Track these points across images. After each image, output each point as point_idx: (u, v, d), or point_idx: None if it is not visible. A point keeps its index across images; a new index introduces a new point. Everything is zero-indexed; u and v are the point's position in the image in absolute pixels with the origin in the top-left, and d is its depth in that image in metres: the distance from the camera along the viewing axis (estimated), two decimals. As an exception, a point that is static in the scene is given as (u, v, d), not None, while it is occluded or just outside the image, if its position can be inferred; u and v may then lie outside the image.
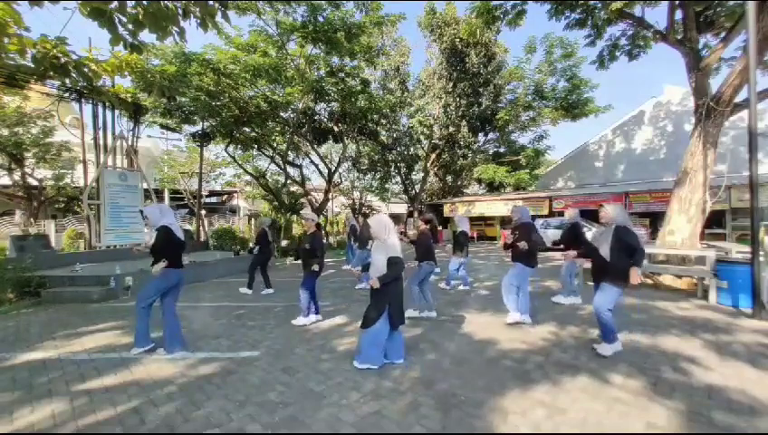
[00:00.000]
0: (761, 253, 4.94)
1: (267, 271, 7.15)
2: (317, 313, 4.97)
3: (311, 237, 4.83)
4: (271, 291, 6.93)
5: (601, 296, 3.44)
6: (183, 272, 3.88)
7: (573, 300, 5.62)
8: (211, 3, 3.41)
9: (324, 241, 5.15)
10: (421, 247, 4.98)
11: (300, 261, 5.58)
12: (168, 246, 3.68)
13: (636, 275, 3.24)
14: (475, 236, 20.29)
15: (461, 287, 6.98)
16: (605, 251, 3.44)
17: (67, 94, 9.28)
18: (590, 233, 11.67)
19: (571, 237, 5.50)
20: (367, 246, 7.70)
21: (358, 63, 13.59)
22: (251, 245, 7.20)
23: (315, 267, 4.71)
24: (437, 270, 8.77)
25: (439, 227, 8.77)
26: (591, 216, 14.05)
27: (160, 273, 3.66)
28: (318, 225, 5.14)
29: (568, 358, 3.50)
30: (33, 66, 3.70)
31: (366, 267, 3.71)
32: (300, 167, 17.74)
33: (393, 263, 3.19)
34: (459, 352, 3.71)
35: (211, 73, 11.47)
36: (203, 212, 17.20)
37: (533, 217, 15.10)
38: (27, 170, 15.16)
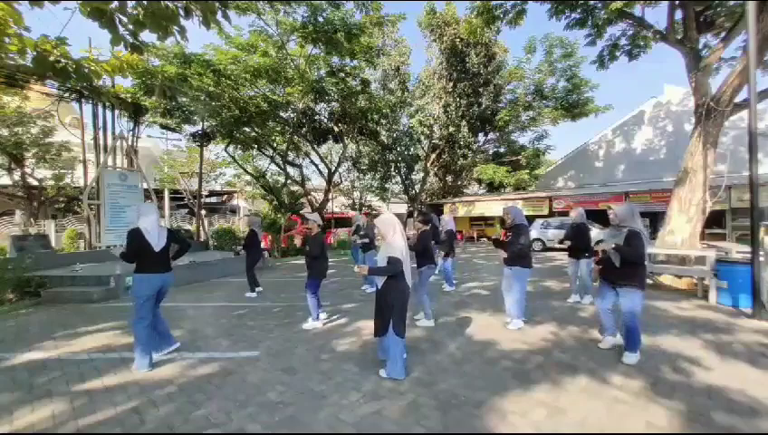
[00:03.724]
0: (761, 253, 4.94)
1: (254, 273, 6.86)
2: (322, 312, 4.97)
3: (311, 240, 4.82)
4: (254, 295, 6.63)
5: (628, 305, 3.36)
6: (162, 277, 3.55)
7: (587, 299, 5.62)
8: (211, 1, 3.40)
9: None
10: (420, 249, 4.93)
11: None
12: (132, 251, 3.41)
13: (602, 247, 3.45)
14: (475, 235, 20.32)
15: (447, 288, 6.91)
16: (618, 258, 3.38)
17: (67, 94, 9.29)
18: (591, 233, 11.68)
19: (582, 239, 5.43)
20: (373, 247, 7.60)
21: (358, 63, 13.58)
22: (239, 247, 6.99)
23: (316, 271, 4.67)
24: (436, 270, 8.77)
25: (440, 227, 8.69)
26: (591, 216, 14.05)
27: (136, 281, 3.46)
28: (323, 227, 5.11)
29: (568, 358, 3.50)
30: (33, 66, 3.70)
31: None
32: (300, 167, 17.74)
33: (390, 262, 3.07)
34: (459, 353, 3.71)
35: (211, 74, 11.47)
36: (203, 212, 17.20)
37: (532, 218, 15.14)
38: (27, 170, 15.17)
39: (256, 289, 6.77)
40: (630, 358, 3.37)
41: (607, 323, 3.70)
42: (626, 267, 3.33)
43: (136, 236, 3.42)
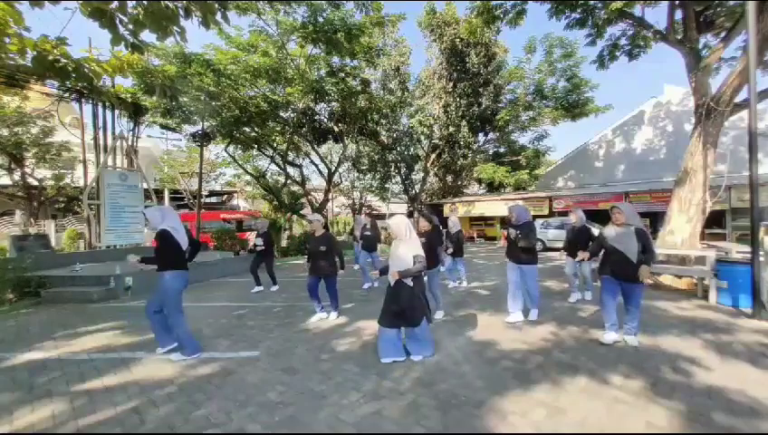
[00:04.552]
0: (761, 253, 4.94)
1: (258, 271, 7.09)
2: (322, 311, 5.04)
3: (325, 239, 4.82)
4: (261, 288, 7.00)
5: (638, 298, 3.72)
6: (187, 274, 3.80)
7: (581, 296, 5.68)
8: (211, 1, 3.41)
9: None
10: (427, 249, 4.92)
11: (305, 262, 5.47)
12: (168, 250, 3.61)
13: (647, 274, 3.54)
14: (474, 235, 20.33)
15: (451, 285, 7.10)
16: (633, 253, 3.56)
17: (67, 94, 9.29)
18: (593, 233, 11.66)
19: (585, 240, 5.50)
20: (375, 249, 7.61)
21: (358, 63, 13.59)
22: (253, 245, 7.15)
23: (341, 272, 4.94)
24: (442, 269, 8.77)
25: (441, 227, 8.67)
26: (591, 216, 14.03)
27: (171, 277, 3.60)
28: (326, 225, 5.13)
29: (568, 358, 3.50)
30: (33, 66, 3.71)
31: (382, 271, 3.70)
32: (300, 167, 17.74)
33: (420, 260, 3.26)
34: (459, 352, 3.71)
35: (211, 74, 11.48)
36: (203, 212, 17.19)
37: (533, 218, 15.12)
38: (27, 170, 15.18)
39: (257, 288, 6.99)
40: (636, 341, 3.78)
41: (612, 318, 3.84)
42: (640, 267, 3.57)
43: (169, 236, 3.58)
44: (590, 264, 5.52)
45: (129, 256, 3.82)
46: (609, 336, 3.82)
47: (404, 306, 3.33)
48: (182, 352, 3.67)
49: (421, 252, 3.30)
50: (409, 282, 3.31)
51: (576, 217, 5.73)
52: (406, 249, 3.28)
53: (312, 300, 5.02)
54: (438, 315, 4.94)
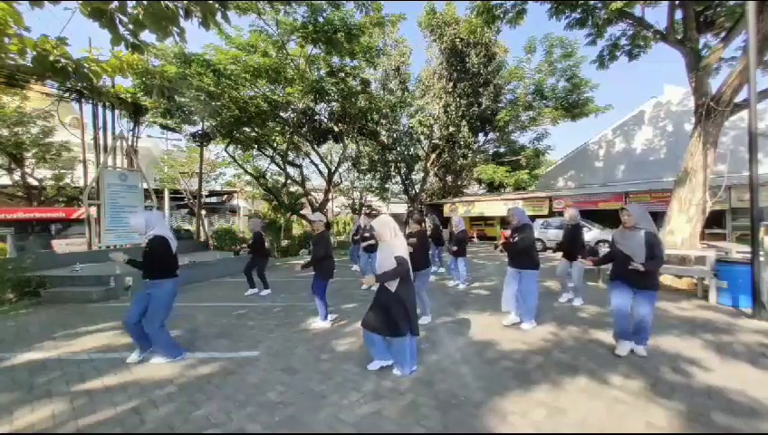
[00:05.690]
0: (761, 253, 4.94)
1: (265, 273, 6.98)
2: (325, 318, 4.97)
3: (318, 237, 4.81)
4: (255, 291, 6.80)
5: (647, 306, 3.44)
6: (178, 281, 3.74)
7: (578, 301, 5.61)
8: (211, 1, 3.41)
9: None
10: (419, 250, 4.87)
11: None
12: (164, 257, 3.52)
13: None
14: (474, 235, 20.32)
15: (456, 285, 7.05)
16: (641, 259, 3.31)
17: (67, 94, 9.29)
18: (590, 233, 11.65)
19: (574, 240, 5.48)
20: (374, 249, 7.62)
21: (358, 63, 13.58)
22: (245, 246, 7.00)
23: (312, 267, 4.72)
24: (442, 270, 8.79)
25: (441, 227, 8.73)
26: (591, 216, 14.03)
27: (172, 284, 3.56)
28: (327, 224, 5.10)
29: (568, 358, 3.50)
30: (33, 66, 3.71)
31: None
32: (300, 167, 17.74)
33: (399, 262, 3.04)
34: (459, 353, 3.71)
35: (211, 74, 11.48)
36: (203, 212, 17.21)
37: (533, 218, 15.14)
38: (27, 170, 15.19)
39: (251, 290, 6.83)
40: (644, 351, 3.53)
41: (626, 327, 3.55)
42: (651, 274, 3.37)
43: (165, 244, 3.50)
44: (581, 266, 5.35)
45: (113, 254, 3.62)
46: (624, 347, 3.55)
47: (385, 314, 3.11)
48: (165, 355, 3.59)
49: (404, 254, 3.08)
50: (391, 287, 3.08)
51: (572, 214, 5.66)
52: (389, 251, 3.10)
53: None
54: (424, 320, 4.67)
